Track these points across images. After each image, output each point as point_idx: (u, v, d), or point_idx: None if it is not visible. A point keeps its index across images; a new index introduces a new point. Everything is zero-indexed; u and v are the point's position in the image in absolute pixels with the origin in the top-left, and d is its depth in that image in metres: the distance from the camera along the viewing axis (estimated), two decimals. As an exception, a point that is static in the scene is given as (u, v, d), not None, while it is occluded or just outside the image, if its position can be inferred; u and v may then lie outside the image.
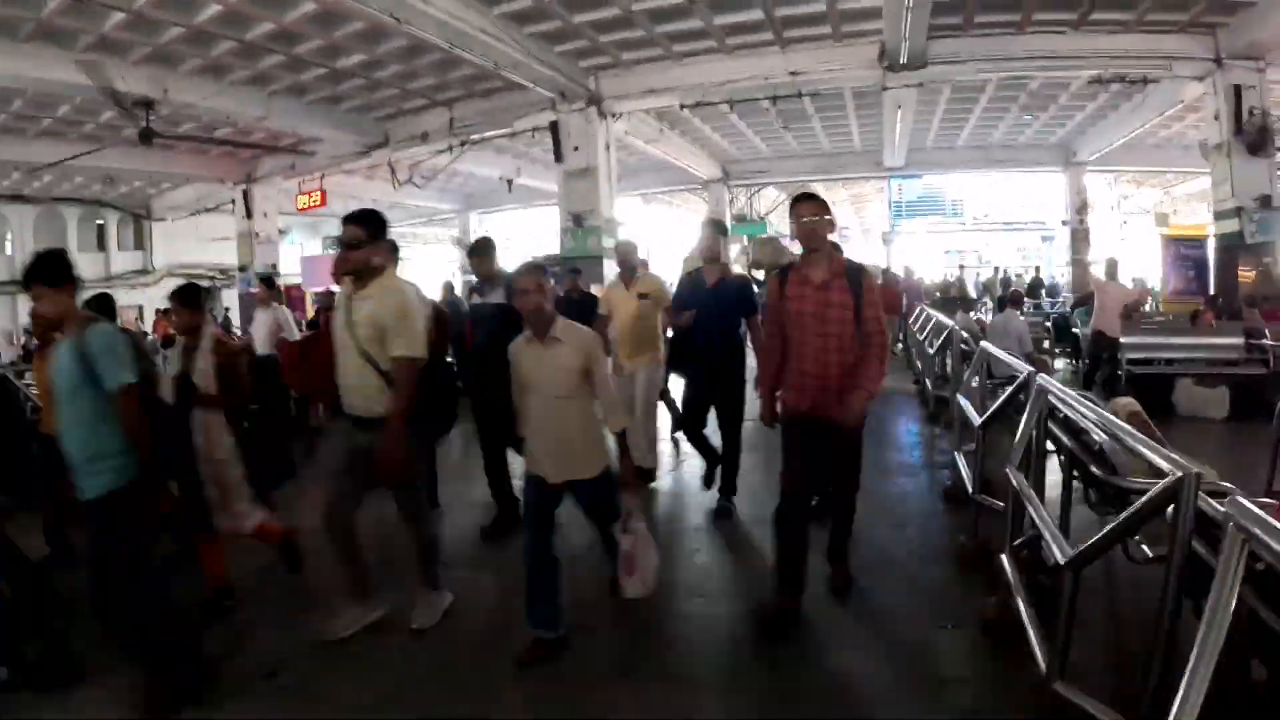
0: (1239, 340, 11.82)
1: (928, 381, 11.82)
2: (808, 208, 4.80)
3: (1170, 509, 2.54)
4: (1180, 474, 2.44)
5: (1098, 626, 4.43)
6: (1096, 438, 3.88)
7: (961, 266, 33.26)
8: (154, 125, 15.05)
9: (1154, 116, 19.29)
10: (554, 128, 16.63)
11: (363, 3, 11.03)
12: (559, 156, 16.75)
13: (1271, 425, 6.79)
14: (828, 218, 4.82)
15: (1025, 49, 14.59)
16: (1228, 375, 11.43)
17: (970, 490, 5.79)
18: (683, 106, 17.53)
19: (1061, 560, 3.19)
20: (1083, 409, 3.80)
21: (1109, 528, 2.92)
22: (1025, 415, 4.47)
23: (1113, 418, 3.48)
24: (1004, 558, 4.45)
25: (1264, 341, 11.57)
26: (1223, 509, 2.17)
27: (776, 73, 15.35)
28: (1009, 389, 5.21)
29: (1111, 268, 14.17)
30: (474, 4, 12.37)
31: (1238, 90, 14.11)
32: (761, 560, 5.83)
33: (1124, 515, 2.83)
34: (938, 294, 25.12)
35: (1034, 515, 3.82)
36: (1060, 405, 4.16)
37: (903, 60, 14.16)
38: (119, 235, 29.66)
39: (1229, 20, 13.72)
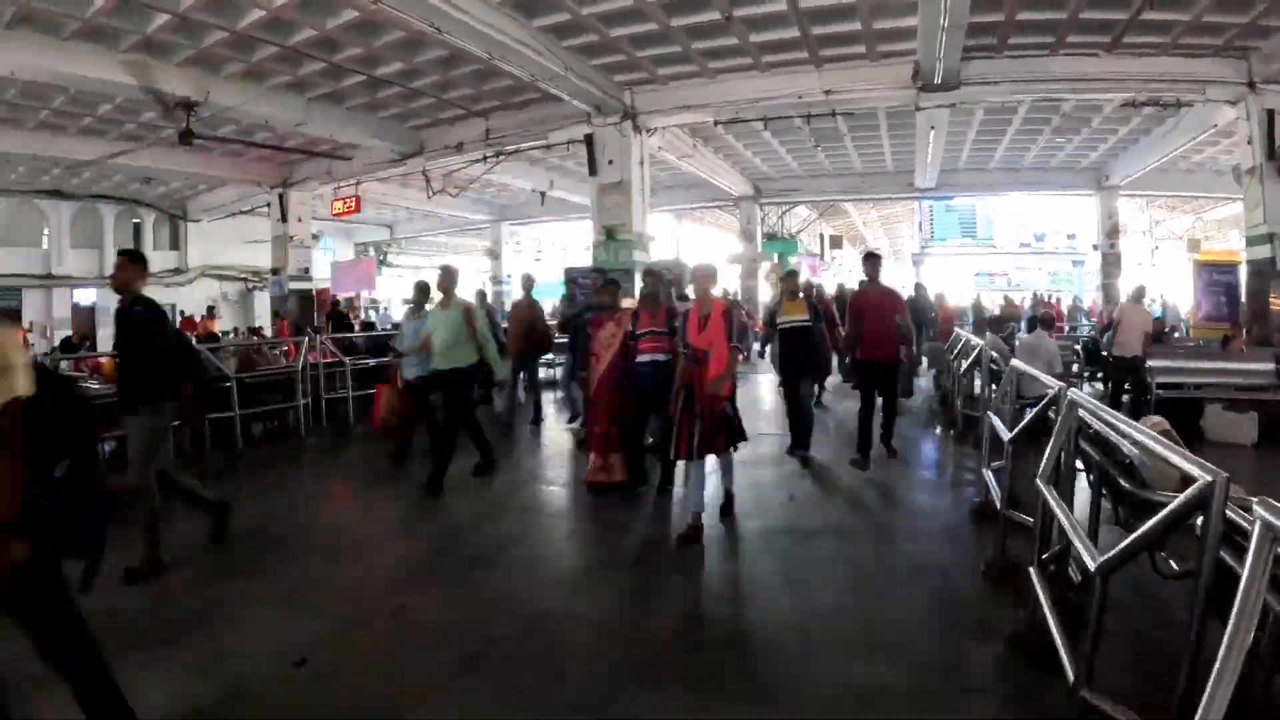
0: (1270, 366, 11.73)
1: (957, 402, 11.80)
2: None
3: (1200, 517, 2.58)
4: (1211, 479, 2.48)
5: (1127, 640, 4.48)
6: (1127, 452, 3.91)
7: (1006, 297, 33.26)
8: (194, 127, 15.22)
9: (1186, 141, 19.21)
10: (589, 141, 16.72)
11: (403, 12, 11.16)
12: (593, 170, 16.83)
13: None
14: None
15: (1058, 71, 14.59)
16: (1257, 401, 11.36)
17: (999, 506, 5.80)
18: (716, 123, 17.64)
19: (1091, 566, 3.23)
20: (1114, 419, 3.84)
21: (1138, 532, 2.96)
22: (1056, 429, 4.51)
23: (1143, 428, 3.52)
24: (1032, 571, 4.48)
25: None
26: (1253, 511, 2.21)
27: (811, 91, 15.40)
28: (1039, 404, 5.23)
29: (1139, 293, 14.17)
30: (514, 16, 12.50)
31: (1271, 115, 14.06)
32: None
33: (1154, 520, 2.87)
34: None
35: (1064, 524, 3.84)
36: (1091, 419, 4.19)
37: (937, 80, 14.19)
38: (155, 235, 29.89)
39: (1262, 45, 13.68)
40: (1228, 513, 2.50)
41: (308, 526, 7.58)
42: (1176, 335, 19.55)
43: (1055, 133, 20.81)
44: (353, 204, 22.14)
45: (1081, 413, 4.30)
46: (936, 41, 12.35)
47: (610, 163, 16.49)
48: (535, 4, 12.51)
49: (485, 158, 19.08)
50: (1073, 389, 4.56)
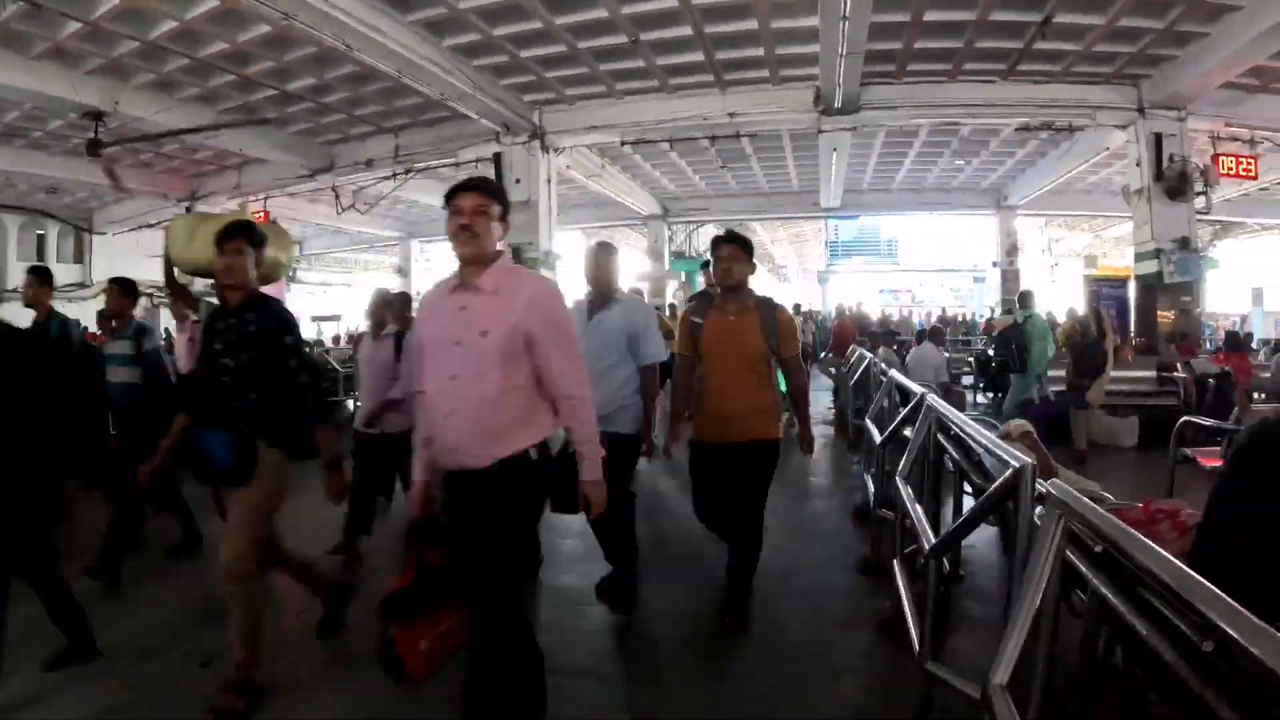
0: (1152, 374, 12.38)
1: (848, 411, 12.19)
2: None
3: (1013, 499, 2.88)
4: (1019, 465, 2.81)
5: (987, 625, 4.84)
6: (978, 448, 4.26)
7: (912, 310, 34.32)
8: (102, 137, 15.05)
9: (1080, 163, 20.04)
10: (497, 160, 16.88)
11: (315, 29, 11.21)
12: (501, 188, 16.97)
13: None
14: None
15: (956, 97, 15.20)
16: (1139, 406, 11.98)
17: (871, 506, 6.16)
18: (624, 143, 17.90)
19: (926, 547, 3.55)
20: (960, 421, 4.19)
21: (962, 518, 3.29)
22: (915, 430, 4.86)
23: (979, 428, 3.87)
24: (895, 564, 4.81)
25: (1176, 374, 12.12)
26: (1048, 491, 2.49)
27: (715, 113, 15.80)
28: (906, 409, 5.58)
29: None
30: (424, 35, 12.64)
31: (1159, 138, 14.76)
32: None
33: (974, 505, 3.20)
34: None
35: (910, 512, 4.17)
36: (946, 421, 4.53)
37: (837, 105, 14.66)
38: (59, 247, 28.98)
39: (1151, 72, 14.41)
40: (1037, 490, 2.80)
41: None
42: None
43: (955, 155, 21.45)
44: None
45: (937, 415, 4.64)
46: (836, 68, 12.78)
47: (518, 181, 16.62)
48: (446, 24, 12.66)
49: (395, 175, 19.10)
50: (930, 394, 4.91)
